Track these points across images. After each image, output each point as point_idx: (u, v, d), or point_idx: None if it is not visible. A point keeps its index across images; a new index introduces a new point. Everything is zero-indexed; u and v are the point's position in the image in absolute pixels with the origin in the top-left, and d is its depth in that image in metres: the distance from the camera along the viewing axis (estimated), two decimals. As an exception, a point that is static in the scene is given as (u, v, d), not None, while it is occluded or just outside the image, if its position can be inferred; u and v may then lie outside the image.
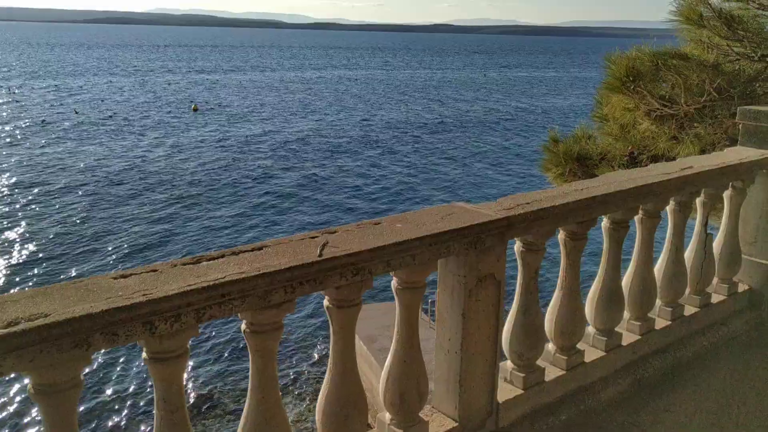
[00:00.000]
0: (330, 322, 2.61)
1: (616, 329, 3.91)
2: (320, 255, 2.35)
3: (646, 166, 6.87)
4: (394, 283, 2.80)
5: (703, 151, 6.27)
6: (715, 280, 4.74)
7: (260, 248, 2.41)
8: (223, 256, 2.32)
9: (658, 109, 5.61)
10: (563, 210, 3.21)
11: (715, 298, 4.64)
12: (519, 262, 3.32)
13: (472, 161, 47.35)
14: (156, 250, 28.26)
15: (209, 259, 2.28)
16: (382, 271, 2.58)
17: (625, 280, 4.05)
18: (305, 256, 2.35)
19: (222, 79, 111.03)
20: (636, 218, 3.94)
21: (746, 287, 4.91)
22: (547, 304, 3.65)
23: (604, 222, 3.75)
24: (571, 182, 3.54)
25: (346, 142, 54.40)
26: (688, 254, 4.50)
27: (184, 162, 45.47)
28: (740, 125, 4.91)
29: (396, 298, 2.81)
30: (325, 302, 2.58)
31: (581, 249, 3.52)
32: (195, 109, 72.33)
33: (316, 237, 2.56)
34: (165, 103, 76.68)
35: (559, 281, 3.60)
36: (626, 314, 4.03)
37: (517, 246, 3.30)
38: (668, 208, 4.18)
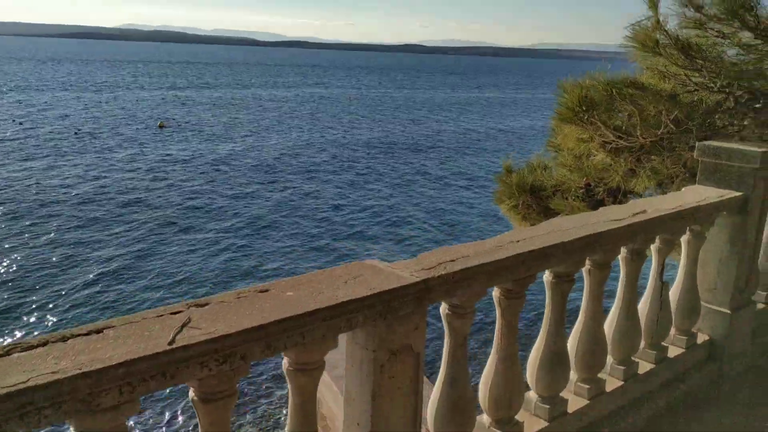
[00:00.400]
0: (198, 416, 2.12)
1: (561, 394, 3.47)
2: (171, 342, 1.86)
3: (602, 198, 6.55)
4: (284, 363, 2.32)
5: (660, 185, 5.95)
6: (672, 331, 4.36)
7: (99, 331, 1.92)
8: (45, 344, 1.83)
9: (613, 140, 5.27)
10: (495, 267, 2.78)
11: (673, 352, 4.25)
12: (445, 327, 2.87)
13: (434, 187, 46.32)
14: (118, 276, 27.12)
15: (24, 349, 1.79)
16: (261, 356, 2.10)
17: (572, 339, 3.63)
18: (154, 342, 1.86)
19: (191, 95, 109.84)
20: (584, 269, 3.53)
21: (706, 337, 4.53)
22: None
23: (546, 275, 3.33)
24: (506, 233, 3.12)
25: (318, 162, 53.77)
26: (643, 305, 4.11)
27: (147, 180, 44.41)
28: (699, 162, 4.56)
29: (287, 379, 2.33)
30: (190, 393, 2.09)
31: (519, 308, 3.08)
32: (161, 126, 71.14)
33: (179, 312, 2.07)
34: (131, 120, 75.32)
35: (494, 344, 3.16)
36: (573, 376, 3.60)
37: (442, 308, 2.85)
38: (620, 257, 3.79)
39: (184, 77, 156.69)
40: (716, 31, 4.91)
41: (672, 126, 5.02)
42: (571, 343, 3.62)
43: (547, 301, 3.36)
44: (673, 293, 4.35)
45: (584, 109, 5.09)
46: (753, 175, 4.29)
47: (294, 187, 43.70)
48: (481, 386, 3.17)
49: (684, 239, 4.27)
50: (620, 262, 3.81)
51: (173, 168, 48.50)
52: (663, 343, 4.16)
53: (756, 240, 4.58)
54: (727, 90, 4.95)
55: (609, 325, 3.85)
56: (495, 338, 3.15)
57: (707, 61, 4.78)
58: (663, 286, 4.06)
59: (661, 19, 4.80)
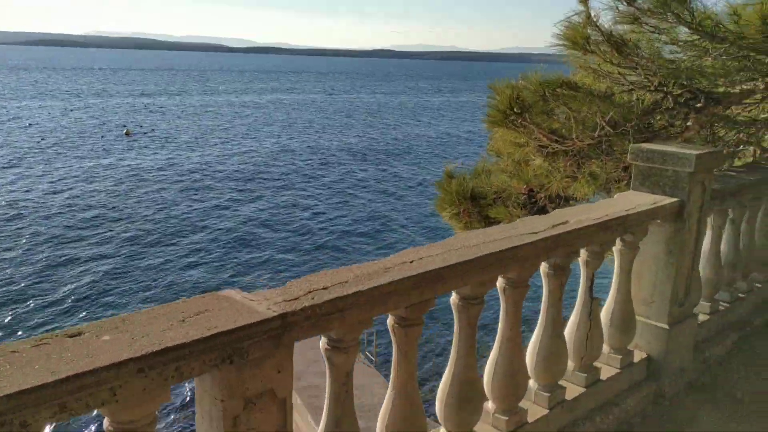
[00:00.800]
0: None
1: (476, 429, 3.12)
2: None
3: (544, 205, 6.24)
4: (105, 423, 1.93)
5: (609, 190, 5.66)
6: (606, 349, 4.04)
7: None
8: None
9: (548, 144, 4.97)
10: (379, 294, 2.41)
11: (606, 373, 3.92)
12: (326, 365, 2.50)
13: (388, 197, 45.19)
14: (81, 294, 26.21)
15: None
16: (55, 419, 1.70)
17: (489, 366, 3.28)
18: None
19: (161, 102, 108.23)
20: (498, 287, 3.19)
21: (643, 355, 4.22)
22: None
23: (453, 297, 2.97)
24: (404, 251, 2.76)
25: (286, 169, 52.95)
26: (571, 324, 3.78)
27: (111, 189, 43.41)
28: (632, 166, 4.26)
29: (109, 441, 1.94)
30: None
31: (416, 336, 2.72)
32: (128, 134, 69.85)
33: (-55, 370, 1.66)
34: (98, 128, 73.88)
35: (391, 379, 2.79)
36: (490, 406, 3.25)
37: (322, 343, 2.48)
38: (541, 272, 3.46)
39: (153, 84, 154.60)
40: (652, 27, 4.64)
41: (609, 128, 4.73)
42: (487, 372, 3.27)
43: (456, 327, 3.01)
44: (607, 308, 4.04)
45: (516, 111, 4.78)
46: (688, 180, 3.99)
47: (259, 197, 42.86)
48: (378, 422, 2.81)
49: (616, 250, 3.96)
50: (542, 278, 3.48)
51: (136, 176, 47.50)
52: (595, 364, 3.83)
53: (695, 248, 4.29)
54: (664, 89, 4.68)
55: (533, 347, 3.52)
56: (392, 371, 2.78)
57: (642, 59, 4.49)
58: (593, 301, 3.74)
59: (593, 14, 4.51)
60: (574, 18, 4.45)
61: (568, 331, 3.77)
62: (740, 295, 5.30)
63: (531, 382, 3.52)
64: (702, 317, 4.83)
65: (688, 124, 5.39)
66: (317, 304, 2.22)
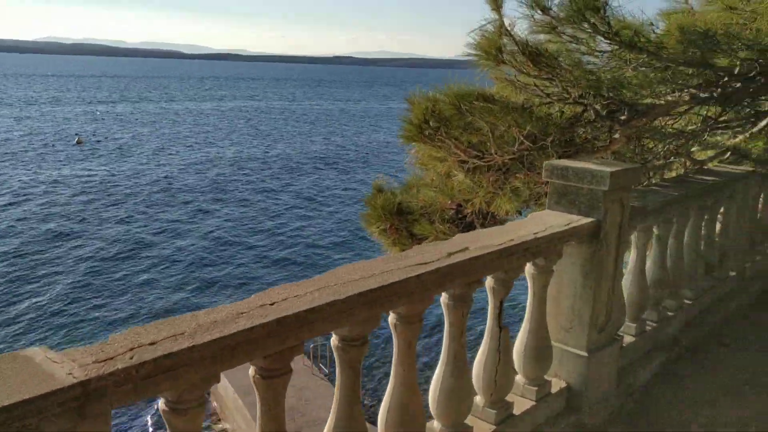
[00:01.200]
0: None
1: (363, 483, 2.80)
2: None
3: (472, 221, 5.99)
4: None
5: (531, 206, 5.43)
6: (521, 380, 3.77)
7: None
8: None
9: (468, 160, 4.71)
10: (221, 347, 2.07)
11: (521, 406, 3.65)
12: (167, 426, 2.15)
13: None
14: (25, 317, 24.95)
15: None
16: None
17: (382, 410, 2.97)
18: None
19: (114, 110, 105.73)
20: (390, 323, 2.89)
21: (563, 384, 3.97)
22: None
23: (333, 339, 2.66)
24: (266, 291, 2.43)
25: (247, 179, 51.74)
26: (480, 356, 3.50)
27: (61, 199, 42.00)
28: (548, 184, 4.02)
29: None
30: None
31: (281, 387, 2.39)
32: (79, 142, 67.91)
33: None
34: (48, 136, 71.72)
35: (255, 436, 2.45)
36: (383, 455, 2.94)
37: (160, 402, 2.13)
38: (442, 302, 3.17)
39: (107, 91, 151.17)
40: (570, 36, 4.42)
41: (528, 142, 4.50)
42: (381, 416, 2.96)
43: (337, 370, 2.69)
44: (521, 336, 3.77)
45: (431, 126, 4.51)
46: (604, 198, 3.76)
47: (217, 209, 41.70)
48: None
49: (528, 274, 3.71)
50: (443, 309, 3.18)
51: (86, 187, 46.08)
52: (508, 398, 3.56)
53: (615, 270, 4.07)
54: (584, 101, 4.47)
55: (435, 385, 3.22)
56: (258, 424, 2.44)
57: (560, 69, 4.27)
58: (502, 331, 3.46)
59: (507, 22, 4.27)
60: (488, 27, 4.21)
61: (477, 364, 3.49)
62: (669, 313, 5.11)
63: (434, 423, 3.23)
64: (628, 339, 4.62)
65: (615, 136, 5.20)
66: (136, 365, 1.86)
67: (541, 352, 3.75)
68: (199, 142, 71.51)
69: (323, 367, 23.61)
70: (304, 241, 35.58)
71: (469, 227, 5.95)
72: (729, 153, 6.08)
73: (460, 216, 5.94)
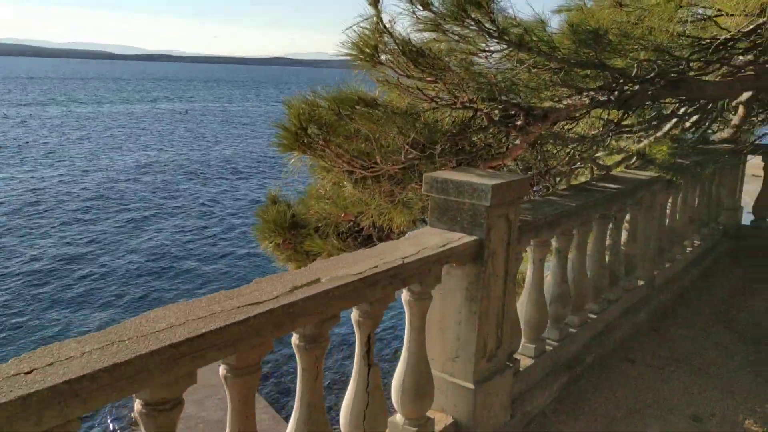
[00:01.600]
0: None
1: None
2: None
3: (370, 235, 5.58)
4: None
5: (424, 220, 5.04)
6: (399, 420, 3.36)
7: None
8: None
9: (353, 169, 4.30)
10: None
11: (398, 450, 3.25)
12: None
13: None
14: None
15: None
16: None
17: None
18: None
19: (38, 113, 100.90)
20: (220, 374, 2.42)
21: (449, 420, 3.58)
22: None
23: (136, 404, 2.17)
24: (35, 352, 1.94)
25: (177, 186, 49.26)
26: (347, 399, 3.08)
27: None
28: (429, 198, 3.63)
29: None
30: None
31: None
32: (-2, 148, 64.39)
33: None
34: (-29, 142, 67.60)
35: None
36: None
37: None
38: (293, 343, 2.72)
39: (29, 93, 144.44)
40: (457, 35, 4.07)
41: (416, 151, 4.11)
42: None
43: (144, 439, 2.20)
44: (399, 370, 3.37)
45: (308, 132, 4.07)
46: (486, 214, 3.40)
47: (131, 219, 39.60)
48: None
49: (405, 301, 3.31)
50: (294, 350, 2.74)
51: (10, 192, 43.50)
52: (381, 443, 3.14)
53: (505, 290, 3.71)
54: (474, 106, 4.12)
55: (287, 438, 2.77)
56: None
57: (445, 71, 3.90)
58: (371, 370, 3.04)
59: (387, 18, 3.88)
60: (363, 24, 3.80)
61: (343, 407, 3.06)
62: (571, 330, 4.82)
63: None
64: (526, 362, 4.29)
65: (516, 142, 4.88)
66: None
67: (421, 388, 3.35)
68: (132, 146, 68.64)
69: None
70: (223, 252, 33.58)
71: (367, 241, 5.54)
72: (635, 158, 5.88)
73: (357, 230, 5.52)
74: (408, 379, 3.33)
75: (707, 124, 6.58)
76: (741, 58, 4.92)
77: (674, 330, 5.68)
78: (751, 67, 4.78)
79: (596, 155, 5.80)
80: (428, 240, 3.31)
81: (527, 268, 4.42)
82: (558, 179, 6.01)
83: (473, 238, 3.41)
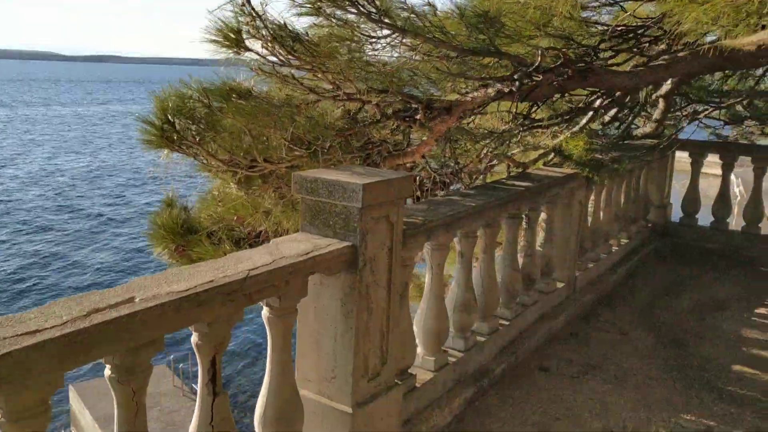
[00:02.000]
0: None
1: None
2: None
3: (266, 239, 5.15)
4: None
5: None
6: (262, 453, 2.95)
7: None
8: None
9: (232, 169, 3.87)
10: None
11: (257, 489, 2.83)
12: None
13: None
14: None
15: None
16: None
17: None
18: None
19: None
20: (-5, 420, 1.97)
21: (325, 449, 3.19)
22: None
23: None
24: None
25: (88, 192, 46.09)
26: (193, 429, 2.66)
27: None
28: (301, 200, 3.23)
29: None
30: None
31: None
32: None
33: None
34: None
35: None
36: None
37: None
38: (105, 375, 2.29)
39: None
40: (341, 20, 3.68)
41: (300, 148, 3.71)
42: None
43: None
44: (261, 399, 2.96)
45: (175, 128, 3.63)
46: (360, 218, 3.01)
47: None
48: None
49: (264, 318, 2.90)
50: (108, 383, 2.30)
51: None
52: (235, 483, 2.73)
53: (390, 300, 3.34)
54: (361, 98, 3.74)
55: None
56: None
57: (325, 58, 3.50)
58: (216, 399, 2.63)
59: (260, 1, 3.46)
60: (227, 6, 3.37)
61: (186, 443, 2.64)
62: (480, 339, 4.49)
63: None
64: (424, 377, 3.93)
65: (424, 138, 4.52)
66: None
67: (285, 416, 2.95)
68: (49, 150, 65.49)
69: (195, 386, 21.99)
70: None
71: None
72: (553, 155, 5.59)
73: (256, 234, 5.09)
74: (270, 407, 2.92)
75: (630, 118, 6.35)
76: (655, 47, 4.67)
77: (594, 334, 5.41)
78: (664, 57, 4.52)
79: (512, 152, 5.50)
80: (291, 248, 2.91)
81: (426, 277, 4.06)
82: (474, 178, 5.69)
83: (345, 244, 3.03)
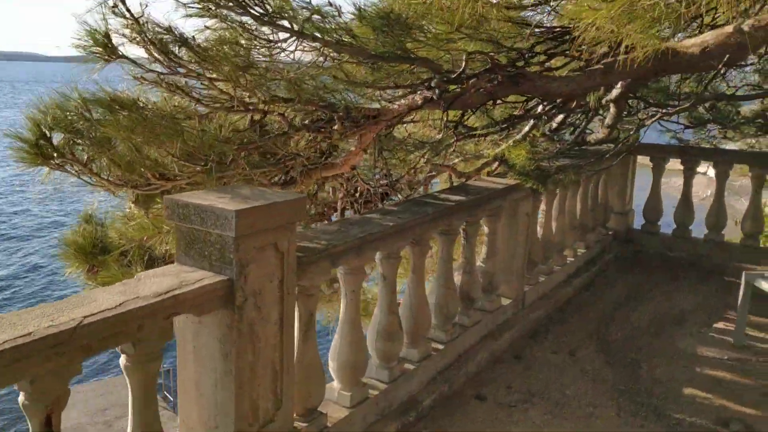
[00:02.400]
0: None
1: None
2: None
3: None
4: None
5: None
6: None
7: None
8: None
9: (124, 187, 3.51)
10: None
11: None
12: None
13: None
14: None
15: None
16: None
17: None
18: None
19: None
20: None
21: None
22: None
23: None
24: None
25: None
26: None
27: None
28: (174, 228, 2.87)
29: None
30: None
31: None
32: None
33: None
34: None
35: None
36: None
37: None
38: None
39: None
40: (233, 23, 3.33)
41: (191, 163, 3.35)
42: None
43: None
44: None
45: (52, 144, 3.26)
46: (235, 248, 2.65)
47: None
48: None
49: (122, 366, 2.53)
50: None
51: None
52: None
53: (283, 337, 2.98)
54: (263, 108, 3.39)
55: None
56: None
57: (216, 63, 3.15)
58: (53, 468, 2.25)
59: (139, 1, 3.10)
60: (98, 9, 3.01)
61: None
62: (408, 367, 4.14)
63: None
64: (339, 414, 3.57)
65: (351, 149, 4.18)
66: None
67: (151, 475, 2.58)
68: None
69: (168, 395, 21.51)
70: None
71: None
72: (497, 164, 5.26)
73: (171, 254, 4.71)
74: (135, 466, 2.56)
75: (584, 124, 6.03)
76: (595, 50, 4.36)
77: (540, 355, 5.08)
78: (605, 61, 4.21)
79: (452, 162, 5.16)
80: (152, 285, 2.54)
81: (341, 303, 3.71)
82: (413, 189, 5.34)
83: (220, 278, 2.66)
